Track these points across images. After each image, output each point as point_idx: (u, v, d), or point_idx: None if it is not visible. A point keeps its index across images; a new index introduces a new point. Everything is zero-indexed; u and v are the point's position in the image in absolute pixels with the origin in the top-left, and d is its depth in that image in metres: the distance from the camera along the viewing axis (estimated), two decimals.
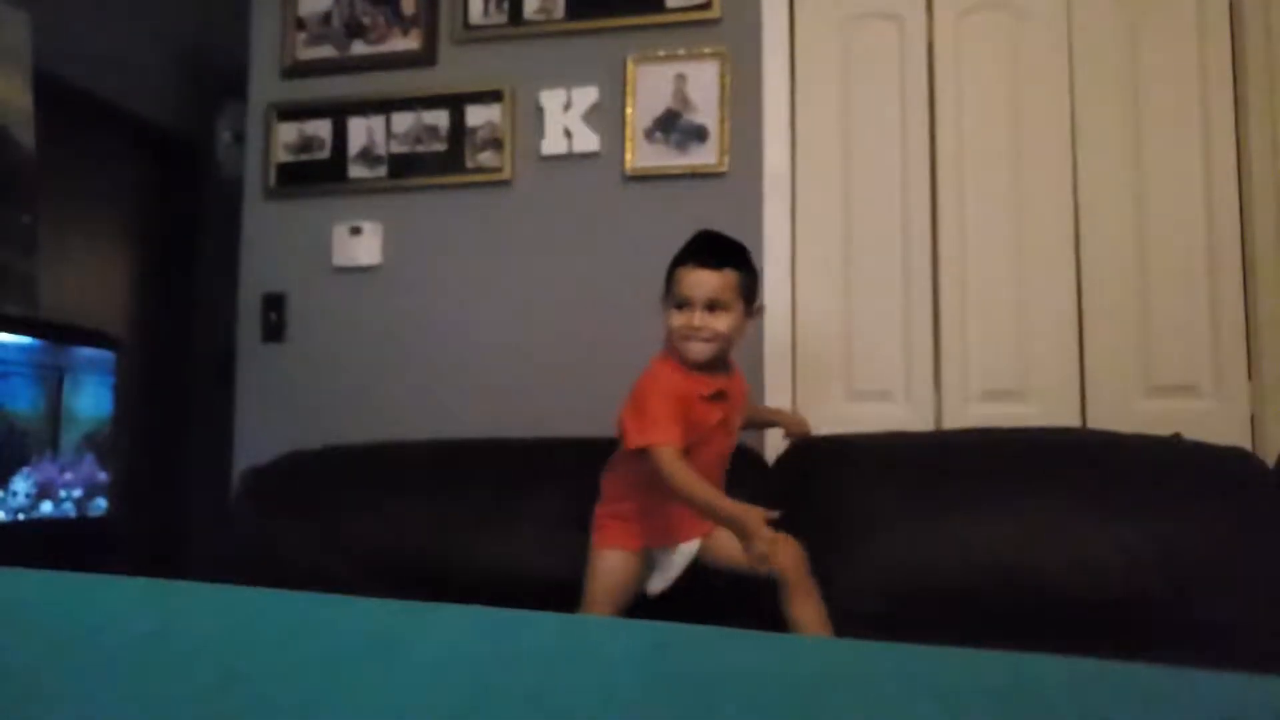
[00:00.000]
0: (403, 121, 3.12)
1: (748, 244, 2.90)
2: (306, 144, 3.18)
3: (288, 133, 3.20)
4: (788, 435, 2.57)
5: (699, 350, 2.12)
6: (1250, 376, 2.70)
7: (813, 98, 2.96)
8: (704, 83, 2.94)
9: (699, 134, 2.92)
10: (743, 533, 1.92)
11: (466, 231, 3.07)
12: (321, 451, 2.74)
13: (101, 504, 2.99)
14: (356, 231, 3.09)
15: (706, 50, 2.94)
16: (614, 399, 2.91)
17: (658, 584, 2.18)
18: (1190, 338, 2.73)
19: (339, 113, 3.17)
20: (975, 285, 2.83)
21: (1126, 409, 2.72)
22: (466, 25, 3.11)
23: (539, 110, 3.04)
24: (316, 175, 3.17)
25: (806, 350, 2.88)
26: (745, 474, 2.52)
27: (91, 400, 2.99)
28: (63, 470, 2.86)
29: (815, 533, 2.18)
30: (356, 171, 3.14)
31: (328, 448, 2.76)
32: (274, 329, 3.14)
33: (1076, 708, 0.41)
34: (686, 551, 2.16)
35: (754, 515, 1.90)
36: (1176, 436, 2.39)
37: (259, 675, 0.46)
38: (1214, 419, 2.65)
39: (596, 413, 2.89)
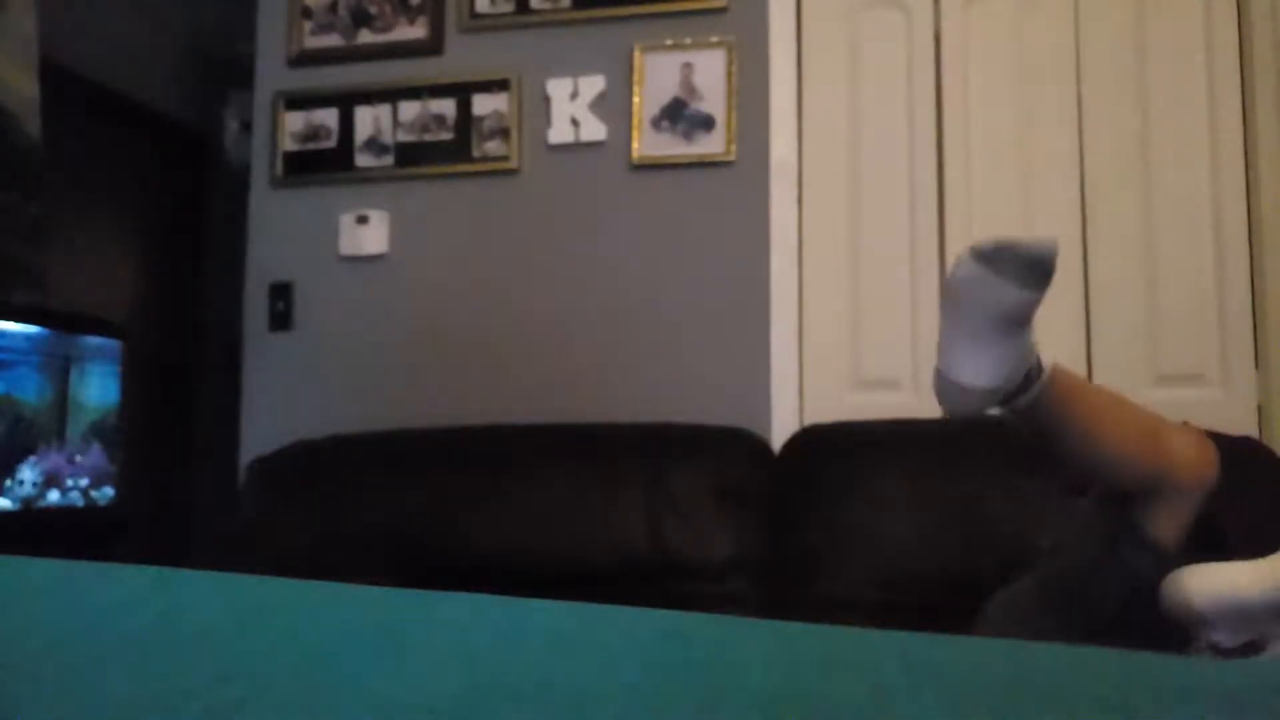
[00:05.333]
0: (409, 110, 3.12)
1: (754, 233, 2.91)
2: (313, 133, 3.18)
3: (294, 122, 3.20)
4: None
5: None
6: (1257, 365, 2.69)
7: (820, 87, 2.96)
8: (711, 72, 2.93)
9: (706, 123, 2.92)
10: None
11: (473, 220, 3.07)
12: (328, 440, 2.75)
13: (108, 493, 3.00)
14: (363, 220, 3.09)
15: (713, 39, 2.93)
16: (620, 385, 2.92)
17: None
18: (1197, 326, 2.72)
19: (346, 101, 3.17)
20: None
21: (1134, 397, 2.71)
22: (473, 14, 3.10)
23: (546, 99, 3.04)
24: (323, 164, 3.17)
25: (813, 339, 2.88)
26: (751, 462, 2.53)
27: (98, 389, 3.00)
28: (69, 459, 2.86)
29: (822, 521, 2.19)
30: (363, 160, 3.14)
31: (334, 436, 2.76)
32: (281, 318, 3.14)
33: (1080, 696, 0.41)
34: None
35: None
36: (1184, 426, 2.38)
37: (264, 664, 0.46)
38: (1221, 408, 2.65)
39: (603, 399, 2.89)
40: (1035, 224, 2.81)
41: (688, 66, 2.95)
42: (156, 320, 4.20)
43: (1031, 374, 1.61)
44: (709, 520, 2.41)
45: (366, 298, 3.11)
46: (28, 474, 2.73)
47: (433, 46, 3.14)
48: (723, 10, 2.95)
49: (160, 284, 4.30)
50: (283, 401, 3.11)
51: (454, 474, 2.58)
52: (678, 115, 2.94)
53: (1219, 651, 1.50)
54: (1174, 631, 1.58)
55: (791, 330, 2.86)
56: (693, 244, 2.92)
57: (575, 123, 3.01)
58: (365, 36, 3.19)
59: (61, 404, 2.86)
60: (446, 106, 3.09)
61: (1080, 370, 2.76)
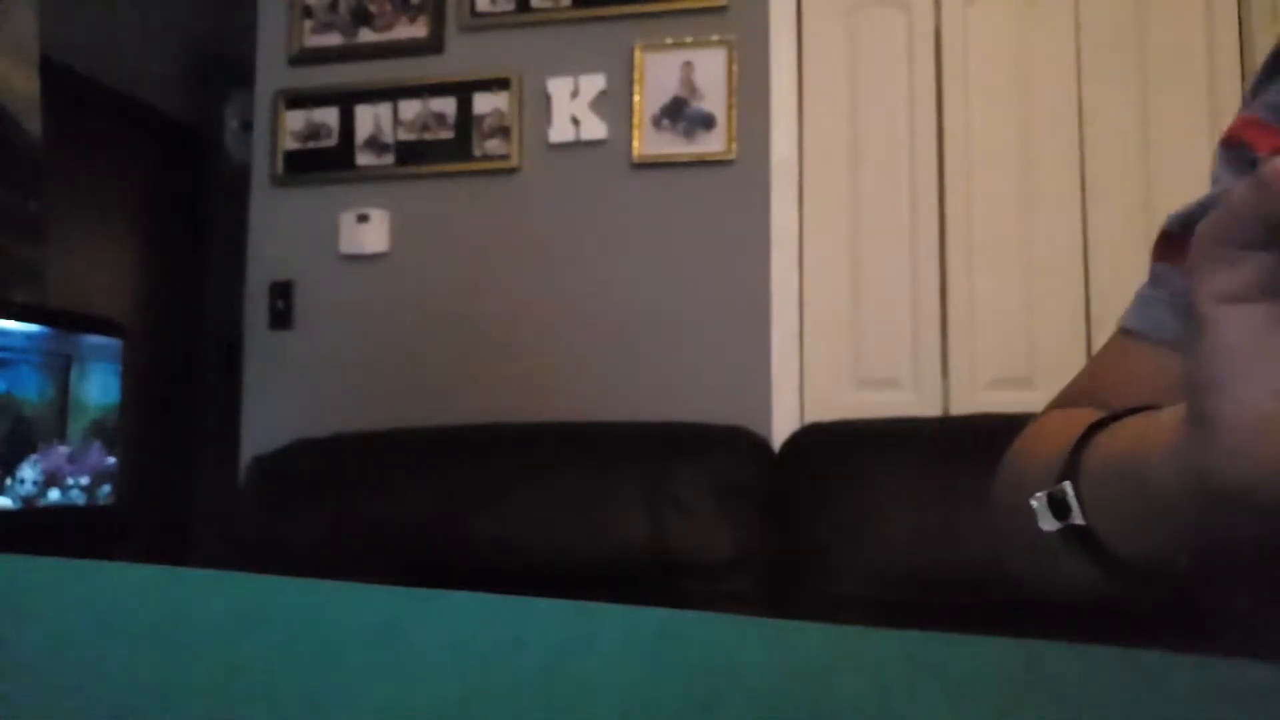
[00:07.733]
0: (410, 109, 3.12)
1: (755, 232, 2.91)
2: (314, 132, 3.18)
3: (295, 120, 3.20)
4: None
5: None
6: None
7: (820, 85, 2.95)
8: (711, 70, 2.93)
9: (706, 122, 2.92)
10: None
11: (473, 219, 3.07)
12: (329, 439, 2.75)
13: (109, 491, 3.00)
14: (364, 219, 3.09)
15: (714, 38, 2.93)
16: (620, 384, 2.92)
17: None
18: None
19: (346, 100, 3.17)
20: (983, 272, 2.83)
21: None
22: (474, 12, 3.10)
23: (546, 98, 3.04)
24: (324, 163, 3.17)
25: (814, 337, 2.88)
26: (751, 460, 2.53)
27: (99, 388, 2.99)
28: (70, 458, 2.86)
29: (822, 520, 2.19)
30: (364, 159, 3.14)
31: (335, 435, 2.76)
32: (281, 316, 3.14)
33: (1084, 694, 0.41)
34: None
35: None
36: None
37: (265, 663, 0.46)
38: None
39: (604, 398, 2.89)
40: (1036, 223, 2.81)
41: (688, 65, 2.94)
42: (156, 319, 4.20)
43: None
44: (710, 519, 2.41)
45: (367, 296, 3.11)
46: (28, 473, 2.72)
47: (433, 45, 3.14)
48: (723, 9, 2.94)
49: (160, 283, 4.29)
50: (283, 400, 3.11)
51: (455, 473, 2.58)
52: (678, 114, 2.94)
53: None
54: None
55: (792, 329, 2.86)
56: (693, 243, 2.92)
57: (576, 121, 3.01)
58: (366, 35, 3.19)
59: (62, 403, 2.86)
60: (447, 105, 3.09)
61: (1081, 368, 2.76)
